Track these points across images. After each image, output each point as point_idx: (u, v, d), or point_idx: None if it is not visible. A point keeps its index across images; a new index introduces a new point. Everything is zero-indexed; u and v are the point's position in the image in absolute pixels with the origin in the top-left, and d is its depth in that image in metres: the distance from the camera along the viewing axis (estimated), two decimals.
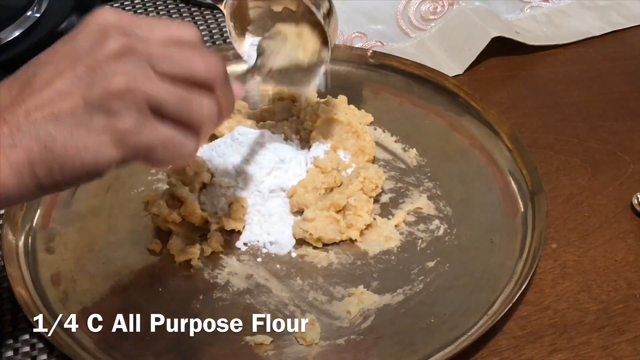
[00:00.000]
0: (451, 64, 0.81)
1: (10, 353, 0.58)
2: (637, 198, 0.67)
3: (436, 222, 0.65)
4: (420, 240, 0.64)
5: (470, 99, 0.74)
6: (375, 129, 0.73)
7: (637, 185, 0.69)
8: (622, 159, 0.72)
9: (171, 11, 0.90)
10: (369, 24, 0.86)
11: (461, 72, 0.80)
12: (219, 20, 0.88)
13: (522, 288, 0.58)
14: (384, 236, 0.64)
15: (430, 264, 0.62)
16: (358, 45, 0.84)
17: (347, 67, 0.79)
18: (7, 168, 0.42)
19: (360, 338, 0.57)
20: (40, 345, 0.58)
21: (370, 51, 0.80)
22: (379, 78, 0.78)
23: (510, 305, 0.57)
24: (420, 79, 0.77)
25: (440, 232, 0.65)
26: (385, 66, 0.78)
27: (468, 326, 0.57)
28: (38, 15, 0.74)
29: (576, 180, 0.70)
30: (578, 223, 0.66)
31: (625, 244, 0.64)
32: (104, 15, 0.44)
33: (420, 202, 0.67)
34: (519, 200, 0.66)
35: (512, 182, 0.67)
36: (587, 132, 0.74)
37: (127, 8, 0.90)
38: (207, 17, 0.88)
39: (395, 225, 0.65)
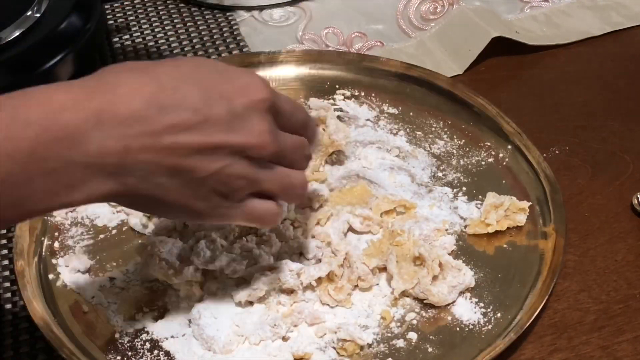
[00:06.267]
0: (451, 64, 0.81)
1: (10, 353, 0.58)
2: (637, 198, 0.67)
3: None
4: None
5: (465, 97, 0.73)
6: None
7: (637, 185, 0.69)
8: (622, 159, 0.72)
9: (171, 11, 0.89)
10: (369, 24, 0.87)
11: (461, 72, 0.80)
12: (219, 20, 0.88)
13: (555, 279, 0.58)
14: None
15: None
16: (358, 45, 0.84)
17: (337, 72, 0.77)
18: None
19: (400, 343, 0.56)
20: (41, 345, 0.58)
21: (358, 54, 0.79)
22: (370, 81, 0.76)
23: (547, 297, 0.57)
24: (411, 80, 0.75)
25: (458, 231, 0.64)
26: (374, 69, 0.77)
27: (507, 321, 0.57)
28: (38, 15, 0.74)
29: (576, 180, 0.70)
30: (578, 223, 0.66)
31: (625, 244, 0.64)
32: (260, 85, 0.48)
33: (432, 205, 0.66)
34: (531, 192, 0.65)
35: (520, 176, 0.67)
36: (587, 132, 0.74)
37: (127, 8, 0.90)
38: (207, 17, 0.88)
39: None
